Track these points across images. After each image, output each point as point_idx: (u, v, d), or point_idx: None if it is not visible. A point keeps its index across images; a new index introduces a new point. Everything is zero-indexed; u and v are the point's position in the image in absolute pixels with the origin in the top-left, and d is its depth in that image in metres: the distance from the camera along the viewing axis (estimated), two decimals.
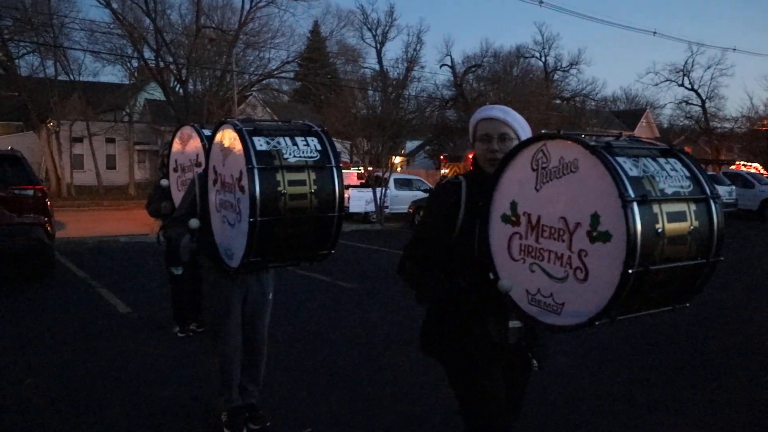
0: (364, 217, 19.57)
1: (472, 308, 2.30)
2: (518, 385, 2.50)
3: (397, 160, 33.51)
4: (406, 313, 6.88)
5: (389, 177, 20.39)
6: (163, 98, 32.02)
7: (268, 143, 3.11)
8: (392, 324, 6.67)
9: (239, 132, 3.11)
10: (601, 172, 1.85)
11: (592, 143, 1.91)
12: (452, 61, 38.20)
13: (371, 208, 19.50)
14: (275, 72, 35.62)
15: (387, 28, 36.57)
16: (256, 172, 2.99)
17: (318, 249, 3.40)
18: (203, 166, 4.80)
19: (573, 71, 41.58)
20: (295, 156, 3.15)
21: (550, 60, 41.98)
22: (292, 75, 38.53)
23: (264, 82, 36.36)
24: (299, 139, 3.22)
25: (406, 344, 5.57)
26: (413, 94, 36.58)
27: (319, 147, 3.25)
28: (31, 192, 8.61)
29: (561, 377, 4.88)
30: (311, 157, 3.20)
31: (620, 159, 1.89)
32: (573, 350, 5.58)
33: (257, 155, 3.03)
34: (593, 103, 41.65)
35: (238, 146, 3.12)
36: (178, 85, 31.49)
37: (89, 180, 31.00)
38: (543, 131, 2.09)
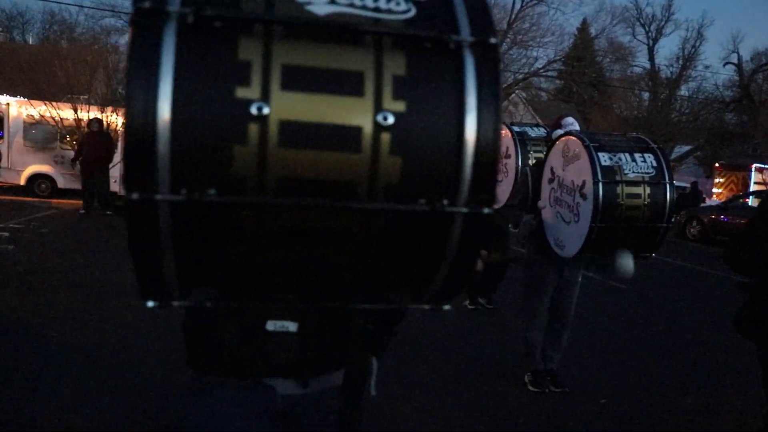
0: None
1: None
2: None
3: None
4: (686, 314, 6.91)
5: None
6: None
7: (611, 159, 3.59)
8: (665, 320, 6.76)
9: (587, 147, 3.64)
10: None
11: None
12: (739, 58, 34.54)
13: None
14: (541, 70, 35.68)
15: (663, 23, 34.58)
16: (600, 186, 3.52)
17: (640, 251, 3.80)
18: (512, 157, 5.46)
19: None
20: (633, 171, 3.59)
21: None
22: (555, 74, 38.23)
23: (527, 80, 36.63)
24: (638, 156, 3.65)
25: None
26: (687, 94, 34.13)
27: (655, 164, 3.64)
28: None
29: None
30: (648, 173, 3.60)
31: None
32: None
33: (602, 170, 3.54)
34: None
35: (584, 158, 3.65)
36: None
37: None
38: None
